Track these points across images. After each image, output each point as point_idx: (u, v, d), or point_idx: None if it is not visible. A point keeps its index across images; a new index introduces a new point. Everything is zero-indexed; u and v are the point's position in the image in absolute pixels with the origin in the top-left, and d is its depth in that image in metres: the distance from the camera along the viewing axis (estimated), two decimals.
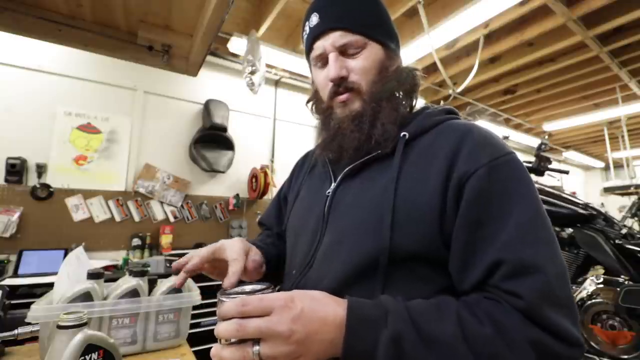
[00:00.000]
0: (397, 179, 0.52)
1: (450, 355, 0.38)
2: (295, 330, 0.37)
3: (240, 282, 0.50)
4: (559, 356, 0.40)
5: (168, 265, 2.43)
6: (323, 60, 0.60)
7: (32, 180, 2.33)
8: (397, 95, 0.59)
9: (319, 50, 0.59)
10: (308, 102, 0.69)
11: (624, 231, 1.94)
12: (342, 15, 0.57)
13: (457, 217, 0.47)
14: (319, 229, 0.58)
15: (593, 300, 1.84)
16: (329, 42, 0.58)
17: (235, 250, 0.56)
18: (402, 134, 0.56)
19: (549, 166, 2.18)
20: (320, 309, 0.40)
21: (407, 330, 0.39)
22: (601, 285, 1.84)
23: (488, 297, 0.44)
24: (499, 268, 0.43)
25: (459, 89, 2.97)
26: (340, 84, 0.58)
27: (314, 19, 0.60)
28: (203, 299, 0.90)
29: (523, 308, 0.40)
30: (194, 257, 0.56)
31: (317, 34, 0.59)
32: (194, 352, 0.86)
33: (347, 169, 0.59)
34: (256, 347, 0.37)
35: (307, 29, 0.62)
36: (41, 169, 2.34)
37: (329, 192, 0.60)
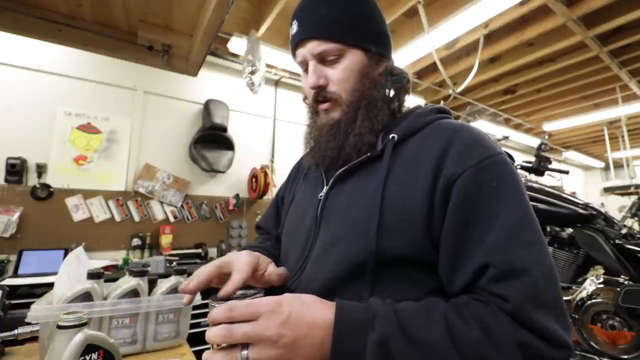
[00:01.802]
0: (385, 181, 0.52)
1: (437, 357, 0.38)
2: (283, 335, 0.37)
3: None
4: (546, 358, 0.40)
5: (168, 265, 2.43)
6: (305, 67, 0.61)
7: (32, 180, 2.33)
8: (377, 102, 0.58)
9: (300, 58, 0.60)
10: (305, 99, 0.70)
11: (624, 231, 1.94)
12: (318, 24, 0.57)
13: (445, 219, 0.47)
14: (311, 232, 0.59)
15: (593, 300, 1.83)
16: (307, 50, 0.58)
17: (241, 262, 0.54)
18: (391, 136, 0.56)
19: (549, 166, 2.18)
20: (308, 313, 0.40)
21: (394, 333, 0.39)
22: (601, 285, 1.84)
23: (476, 299, 0.44)
24: (487, 271, 0.43)
25: (459, 89, 2.97)
26: (320, 93, 0.59)
27: (294, 26, 0.60)
28: (203, 298, 0.90)
29: (510, 311, 0.40)
30: (199, 275, 0.54)
31: (296, 42, 0.60)
32: (194, 352, 0.86)
33: (338, 172, 0.59)
34: (244, 352, 0.37)
35: (290, 35, 0.63)
36: (41, 169, 2.34)
37: (321, 196, 0.60)
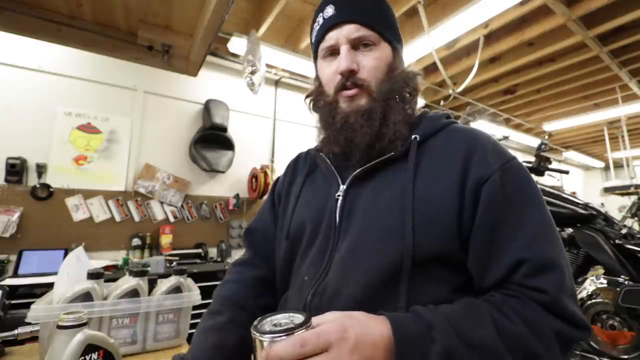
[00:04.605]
0: (414, 181, 0.52)
1: (493, 357, 0.40)
2: None
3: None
4: (574, 340, 0.45)
5: (168, 265, 2.43)
6: (333, 52, 0.60)
7: (32, 180, 2.33)
8: (405, 96, 0.59)
9: (331, 41, 0.59)
10: (307, 97, 0.68)
11: (624, 231, 1.94)
12: (359, 10, 0.58)
13: (475, 219, 0.49)
14: (331, 233, 0.57)
15: (593, 300, 1.83)
16: (342, 33, 0.57)
17: None
18: (413, 136, 0.57)
19: (549, 166, 2.18)
20: (369, 333, 0.39)
21: (455, 343, 0.40)
22: (601, 285, 1.84)
23: (509, 295, 0.46)
24: (521, 266, 0.46)
25: (459, 89, 2.97)
26: (349, 78, 0.57)
27: (330, 10, 0.59)
28: (203, 298, 0.90)
29: (547, 302, 0.44)
30: None
31: (331, 25, 0.59)
32: None
33: (357, 171, 0.57)
34: None
35: (319, 19, 0.61)
36: (41, 169, 2.34)
37: (338, 195, 0.59)
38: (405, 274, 0.48)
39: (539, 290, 0.44)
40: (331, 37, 0.59)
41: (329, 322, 0.38)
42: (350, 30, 0.57)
